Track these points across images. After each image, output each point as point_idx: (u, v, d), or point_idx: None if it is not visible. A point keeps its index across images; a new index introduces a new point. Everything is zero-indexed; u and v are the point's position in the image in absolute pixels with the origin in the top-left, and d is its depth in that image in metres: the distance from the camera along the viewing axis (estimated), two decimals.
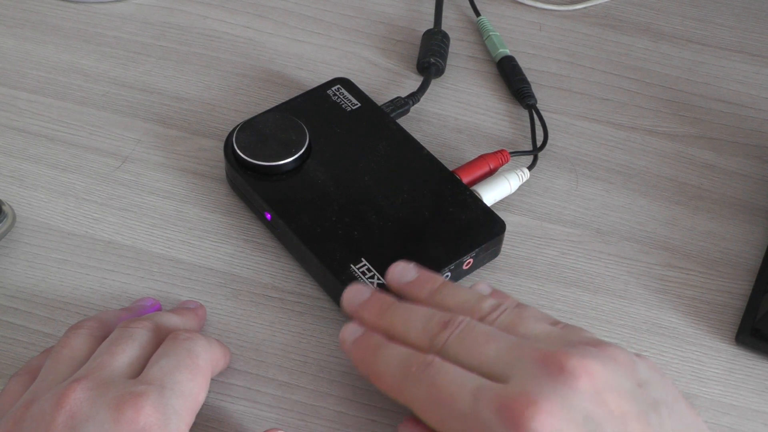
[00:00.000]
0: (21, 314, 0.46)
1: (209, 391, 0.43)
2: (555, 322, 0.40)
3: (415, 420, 0.40)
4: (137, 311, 0.45)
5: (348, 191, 0.49)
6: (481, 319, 0.40)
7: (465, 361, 0.38)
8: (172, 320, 0.43)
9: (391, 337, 0.41)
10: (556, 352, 0.36)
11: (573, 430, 0.35)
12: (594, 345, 0.38)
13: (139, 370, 0.39)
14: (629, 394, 0.36)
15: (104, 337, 0.41)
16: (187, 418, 0.38)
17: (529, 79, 0.58)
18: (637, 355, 0.39)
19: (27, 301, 0.46)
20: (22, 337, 0.45)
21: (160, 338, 0.41)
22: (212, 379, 0.44)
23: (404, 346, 0.40)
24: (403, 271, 0.44)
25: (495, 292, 0.43)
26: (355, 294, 0.43)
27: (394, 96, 0.56)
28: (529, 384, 0.36)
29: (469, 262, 0.47)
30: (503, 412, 0.35)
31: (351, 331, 0.42)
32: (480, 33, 0.61)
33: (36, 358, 0.42)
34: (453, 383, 0.37)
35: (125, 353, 0.39)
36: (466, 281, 0.48)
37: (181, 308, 0.45)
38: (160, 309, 0.46)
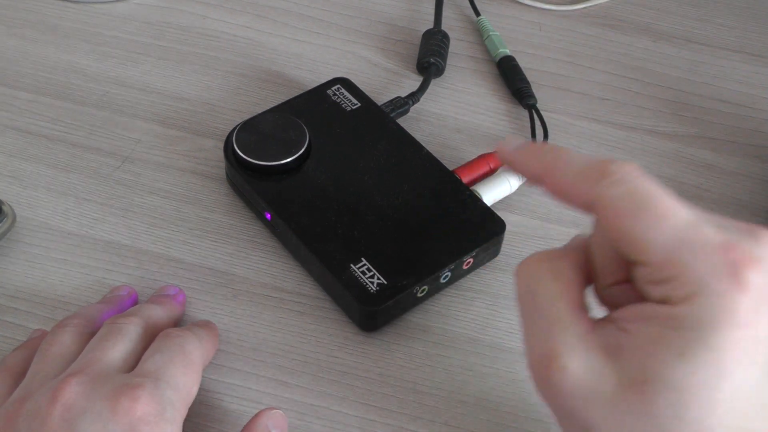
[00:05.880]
0: (21, 314, 0.46)
1: (209, 390, 0.43)
2: None
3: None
4: (117, 303, 0.45)
5: (348, 191, 0.49)
6: None
7: None
8: (158, 312, 0.43)
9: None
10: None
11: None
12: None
13: (131, 365, 0.39)
14: None
15: (91, 334, 0.41)
16: (182, 410, 0.38)
17: (529, 79, 0.58)
18: None
19: (27, 301, 0.46)
20: (22, 337, 0.45)
21: (149, 333, 0.41)
22: (213, 380, 0.44)
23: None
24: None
25: None
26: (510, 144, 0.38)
27: (394, 96, 0.56)
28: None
29: (469, 262, 0.47)
30: (727, 252, 0.31)
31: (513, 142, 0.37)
32: (480, 33, 0.61)
33: (11, 356, 0.42)
34: (664, 196, 0.32)
35: (116, 349, 0.40)
36: (466, 281, 0.48)
37: (160, 297, 0.45)
38: (136, 297, 0.46)
